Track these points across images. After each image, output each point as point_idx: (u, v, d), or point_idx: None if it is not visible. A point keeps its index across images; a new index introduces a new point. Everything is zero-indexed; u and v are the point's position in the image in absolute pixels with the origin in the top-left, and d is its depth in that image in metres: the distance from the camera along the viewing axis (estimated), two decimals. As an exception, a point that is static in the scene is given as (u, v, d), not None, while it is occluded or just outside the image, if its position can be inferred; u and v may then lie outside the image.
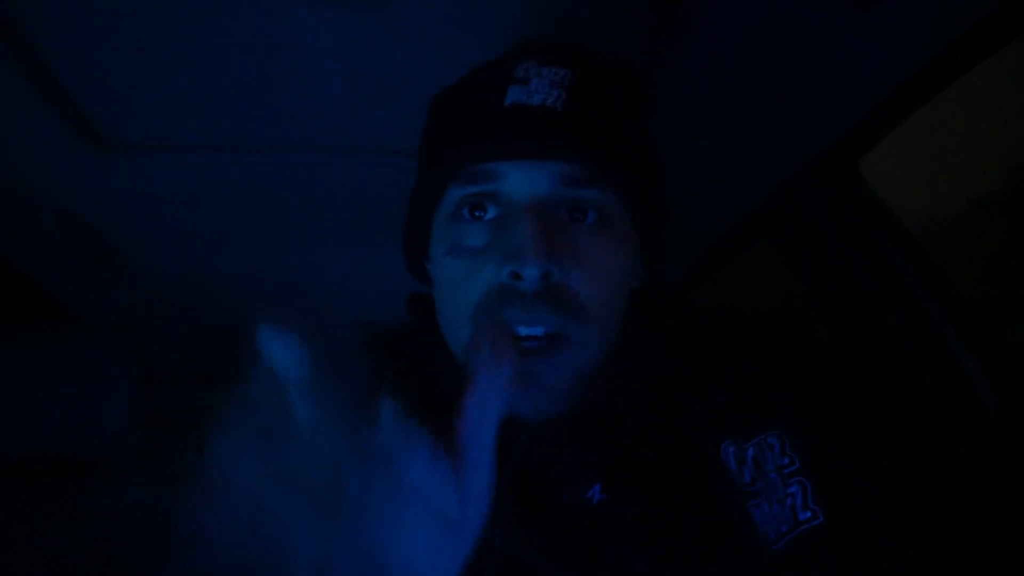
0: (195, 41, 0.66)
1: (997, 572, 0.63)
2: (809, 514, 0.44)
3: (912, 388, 0.72)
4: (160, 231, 1.04)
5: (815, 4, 0.58)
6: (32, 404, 0.87)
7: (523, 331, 0.43)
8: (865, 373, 0.78)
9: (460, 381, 0.50)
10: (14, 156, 0.83)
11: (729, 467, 0.46)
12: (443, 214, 0.48)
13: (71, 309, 1.24)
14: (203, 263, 1.16)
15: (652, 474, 0.47)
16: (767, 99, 0.73)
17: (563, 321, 0.43)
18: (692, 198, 0.97)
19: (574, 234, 0.44)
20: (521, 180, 0.44)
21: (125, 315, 1.24)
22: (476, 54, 0.72)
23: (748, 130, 0.79)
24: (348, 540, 0.26)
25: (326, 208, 1.00)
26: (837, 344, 0.83)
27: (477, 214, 0.46)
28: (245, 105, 0.76)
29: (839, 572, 0.44)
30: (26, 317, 1.19)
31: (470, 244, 0.45)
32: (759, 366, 0.51)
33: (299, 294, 1.30)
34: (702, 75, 0.71)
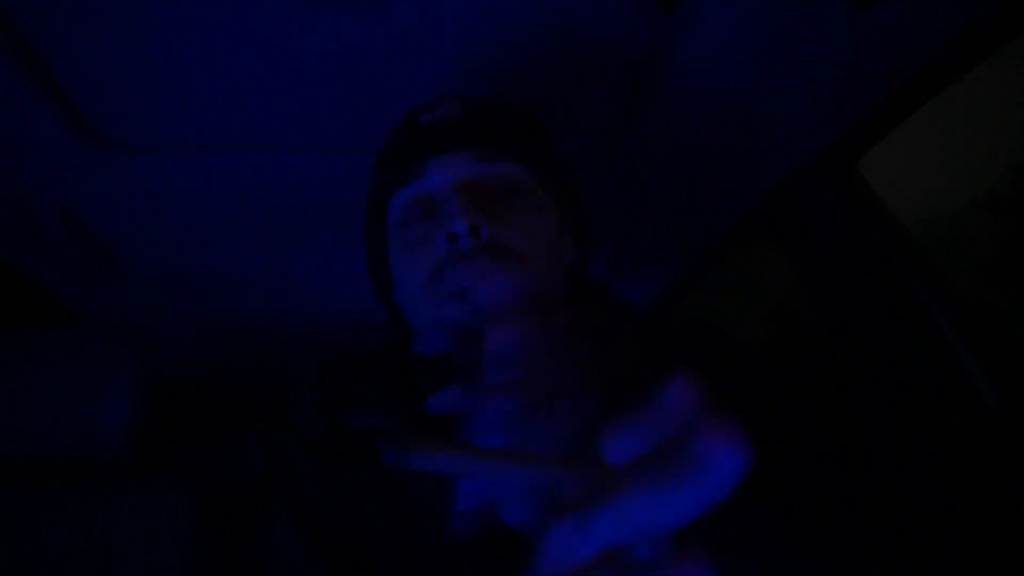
0: (194, 41, 0.66)
1: (997, 572, 0.63)
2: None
3: (912, 388, 0.72)
4: (160, 231, 1.04)
5: (814, 4, 0.58)
6: (32, 404, 0.87)
7: (466, 283, 0.50)
8: (865, 373, 0.78)
9: (432, 381, 0.53)
10: (14, 156, 0.83)
11: None
12: (394, 225, 0.57)
13: (71, 309, 1.24)
14: (203, 263, 1.16)
15: None
16: (767, 99, 0.73)
17: (504, 265, 0.51)
18: (693, 198, 0.97)
19: (498, 202, 0.54)
20: (441, 168, 0.55)
21: (125, 315, 1.24)
22: (470, 56, 0.72)
23: (748, 130, 0.79)
24: None
25: (326, 208, 1.00)
26: (837, 344, 0.83)
27: (422, 218, 0.55)
28: (244, 105, 0.77)
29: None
30: (26, 317, 1.19)
31: (419, 238, 0.54)
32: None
33: (299, 294, 1.30)
34: (702, 75, 0.71)
